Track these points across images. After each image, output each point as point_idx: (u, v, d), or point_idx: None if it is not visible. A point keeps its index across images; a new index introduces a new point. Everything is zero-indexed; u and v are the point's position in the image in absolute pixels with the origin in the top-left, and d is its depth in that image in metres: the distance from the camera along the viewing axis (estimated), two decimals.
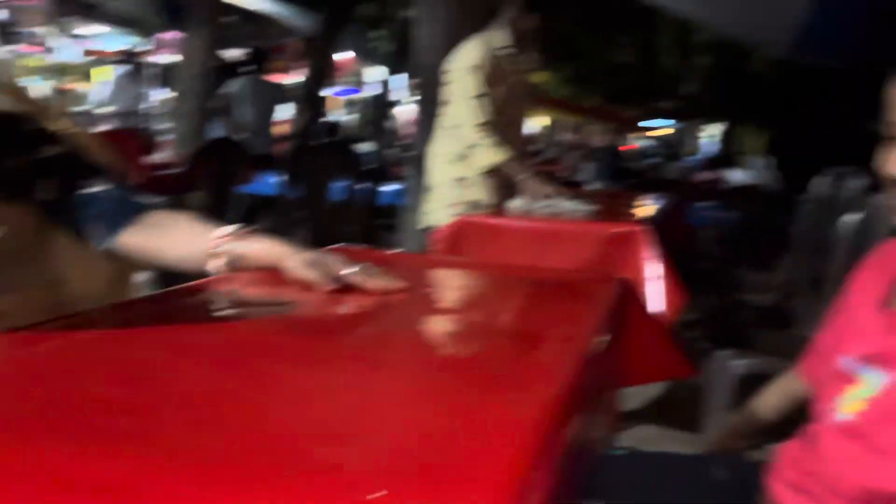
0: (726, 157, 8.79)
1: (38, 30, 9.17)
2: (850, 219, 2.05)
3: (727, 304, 2.82)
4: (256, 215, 5.49)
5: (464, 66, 2.46)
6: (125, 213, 1.04)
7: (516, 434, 0.53)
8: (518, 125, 2.71)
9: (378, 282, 0.95)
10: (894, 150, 0.82)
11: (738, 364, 1.85)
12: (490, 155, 2.41)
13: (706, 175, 6.01)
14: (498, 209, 2.41)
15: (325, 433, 0.54)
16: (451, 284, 1.14)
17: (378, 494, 0.43)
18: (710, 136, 15.17)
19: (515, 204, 2.32)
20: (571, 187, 3.33)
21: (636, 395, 2.71)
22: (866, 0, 4.10)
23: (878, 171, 0.84)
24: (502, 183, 2.56)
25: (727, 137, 11.37)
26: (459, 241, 2.03)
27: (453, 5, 3.87)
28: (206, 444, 0.50)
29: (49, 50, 8.80)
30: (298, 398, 0.61)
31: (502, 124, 2.50)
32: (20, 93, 1.11)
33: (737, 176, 7.22)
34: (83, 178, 1.05)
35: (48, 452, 0.47)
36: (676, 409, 1.55)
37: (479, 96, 2.42)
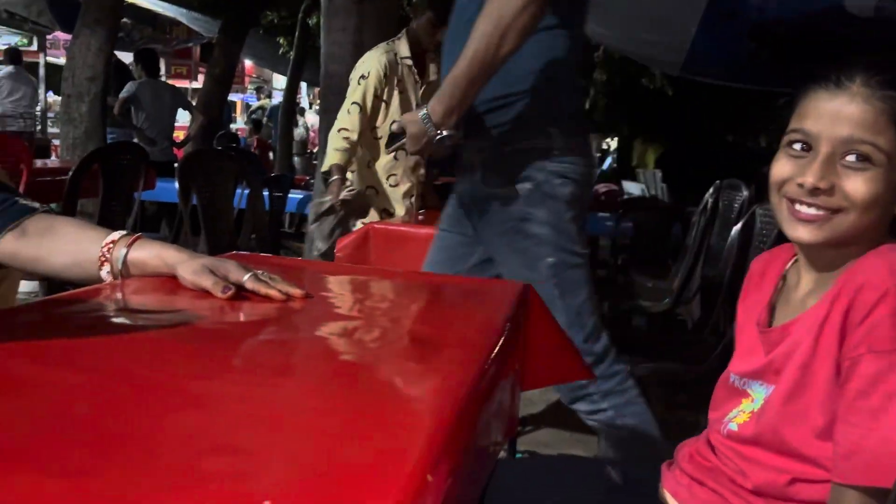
0: (622, 169, 9.13)
1: None
2: (737, 228, 2.16)
3: (622, 311, 2.92)
4: (159, 223, 5.30)
5: (355, 74, 2.53)
6: (5, 216, 0.98)
7: (413, 439, 0.53)
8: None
9: (275, 288, 0.94)
10: (783, 158, 0.87)
11: (638, 368, 1.91)
12: (330, 157, 2.51)
13: (602, 187, 6.24)
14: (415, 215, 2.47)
15: (217, 443, 0.52)
16: (352, 291, 1.14)
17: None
18: (605, 150, 15.69)
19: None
20: None
21: (536, 400, 2.77)
22: (742, 25, 4.39)
23: (770, 180, 0.89)
24: (409, 192, 2.61)
25: (622, 151, 11.80)
26: (365, 249, 2.02)
27: (361, 14, 3.86)
28: (89, 459, 0.47)
29: None
30: (189, 408, 0.59)
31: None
32: None
33: (632, 188, 7.51)
34: None
35: None
36: (575, 414, 1.59)
37: (356, 104, 2.49)
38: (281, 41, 11.44)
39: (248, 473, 0.47)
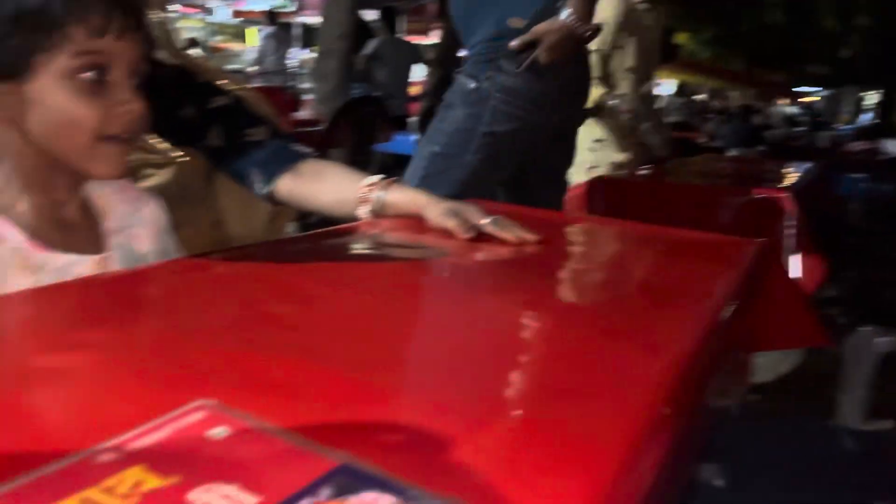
0: (882, 126, 8.13)
1: None
2: None
3: (873, 281, 2.66)
4: (396, 174, 5.66)
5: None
6: (283, 161, 1.12)
7: (640, 389, 0.55)
8: (648, 82, 2.69)
9: (513, 232, 0.99)
10: None
11: (882, 342, 1.76)
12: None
13: (859, 145, 5.61)
14: (636, 170, 2.41)
15: (464, 361, 0.58)
16: (583, 239, 1.16)
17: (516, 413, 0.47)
18: (867, 104, 14.06)
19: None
20: (713, 152, 3.23)
21: (768, 367, 2.63)
22: None
23: None
24: (640, 143, 2.55)
25: (884, 106, 10.50)
26: (592, 202, 2.03)
27: None
28: (362, 358, 0.55)
29: (208, 11, 9.32)
30: (439, 327, 0.66)
31: (633, 80, 2.50)
32: (187, 53, 1.21)
33: (893, 147, 6.69)
34: (246, 127, 1.15)
35: (228, 354, 0.54)
36: (808, 384, 1.51)
37: (599, 51, 2.43)
38: None
39: (492, 387, 0.53)
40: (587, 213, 1.98)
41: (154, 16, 1.16)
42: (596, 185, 2.08)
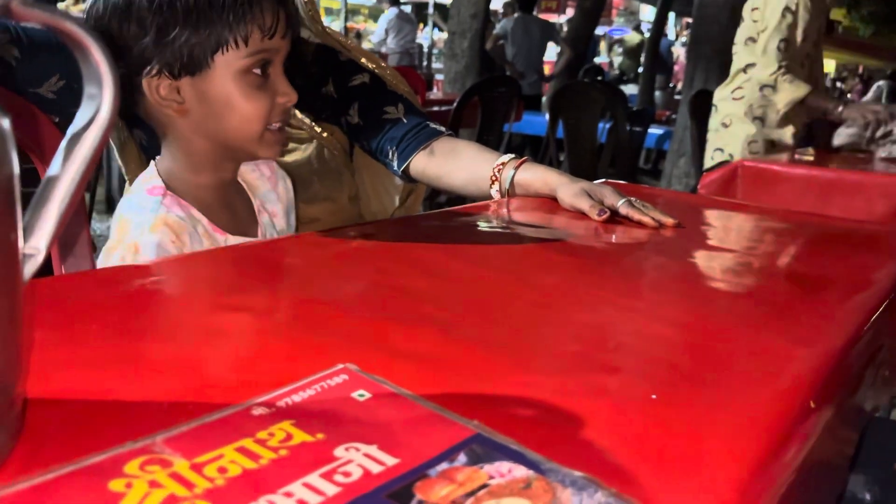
0: None
1: None
2: None
3: None
4: (522, 153, 5.64)
5: (776, 6, 2.32)
6: (418, 138, 1.14)
7: (785, 383, 0.53)
8: (819, 64, 2.52)
9: (648, 215, 0.96)
10: None
11: None
12: (793, 90, 2.28)
13: None
14: (792, 152, 2.28)
15: (599, 340, 0.58)
16: (723, 224, 1.11)
17: (652, 398, 0.46)
18: None
19: (846, 133, 2.21)
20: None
21: None
22: None
23: None
24: (802, 124, 2.41)
25: None
26: (731, 186, 1.93)
27: None
28: (495, 333, 0.56)
29: None
30: (572, 304, 0.65)
31: (807, 64, 2.35)
32: (330, 31, 1.25)
33: None
34: (384, 105, 1.17)
35: (363, 322, 0.56)
36: None
37: (785, 39, 2.28)
38: None
39: (629, 370, 0.52)
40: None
41: None
42: (735, 170, 1.99)
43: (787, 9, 2.30)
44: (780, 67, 2.28)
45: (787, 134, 2.33)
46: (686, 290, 0.75)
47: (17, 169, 0.32)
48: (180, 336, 0.52)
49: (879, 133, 2.23)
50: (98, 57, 0.34)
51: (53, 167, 0.36)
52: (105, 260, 0.79)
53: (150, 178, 0.86)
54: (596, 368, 0.51)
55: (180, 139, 0.85)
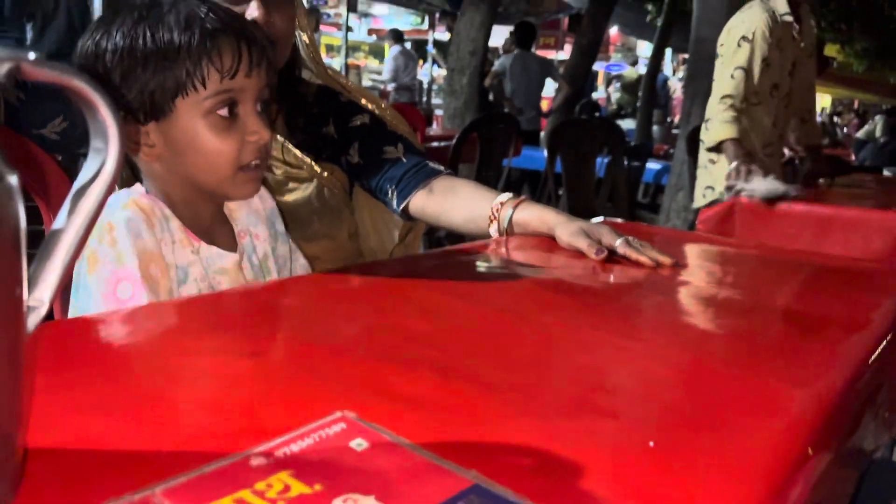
0: None
1: (334, 11, 10.15)
2: None
3: None
4: (520, 188, 5.66)
5: (734, 36, 2.37)
6: (417, 177, 1.15)
7: (782, 426, 0.53)
8: (805, 98, 2.54)
9: (646, 255, 0.97)
10: None
11: None
12: (718, 131, 2.31)
13: None
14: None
15: (597, 383, 0.58)
16: (721, 263, 1.12)
17: (650, 443, 0.46)
18: None
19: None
20: (867, 172, 3.03)
21: None
22: None
23: None
24: (789, 162, 2.44)
25: None
26: (729, 223, 1.94)
27: None
28: (493, 375, 0.56)
29: (349, 29, 9.72)
30: (571, 346, 0.65)
31: (778, 95, 2.38)
32: (331, 72, 1.27)
33: None
34: (383, 145, 1.19)
35: (361, 366, 0.56)
36: None
37: (741, 68, 2.32)
38: (649, 8, 11.25)
39: (627, 414, 0.52)
40: (720, 235, 1.90)
41: (303, 36, 1.22)
42: (732, 207, 2.00)
43: (743, 38, 2.34)
44: (724, 98, 2.32)
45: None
46: (683, 331, 0.75)
47: (23, 223, 0.33)
48: (178, 382, 0.52)
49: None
50: (105, 113, 0.35)
51: (59, 220, 0.36)
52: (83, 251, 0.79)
53: (134, 186, 0.86)
54: (594, 412, 0.51)
55: (158, 179, 0.85)
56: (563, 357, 0.63)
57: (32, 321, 0.34)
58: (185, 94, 0.79)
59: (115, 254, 0.77)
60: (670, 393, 0.57)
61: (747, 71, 2.32)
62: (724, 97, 2.34)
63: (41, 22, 4.71)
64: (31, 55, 0.32)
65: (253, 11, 1.03)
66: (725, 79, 2.35)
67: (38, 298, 0.35)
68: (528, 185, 5.72)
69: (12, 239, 0.31)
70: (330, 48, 10.43)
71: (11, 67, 0.31)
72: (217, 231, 0.91)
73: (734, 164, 2.20)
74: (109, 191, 0.36)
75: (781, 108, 2.44)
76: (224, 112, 0.80)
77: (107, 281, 0.77)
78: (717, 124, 2.32)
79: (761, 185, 2.22)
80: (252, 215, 0.97)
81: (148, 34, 0.78)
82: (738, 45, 2.34)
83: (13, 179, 0.31)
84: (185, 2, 0.81)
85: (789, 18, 2.38)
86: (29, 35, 4.70)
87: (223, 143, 0.80)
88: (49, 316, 0.68)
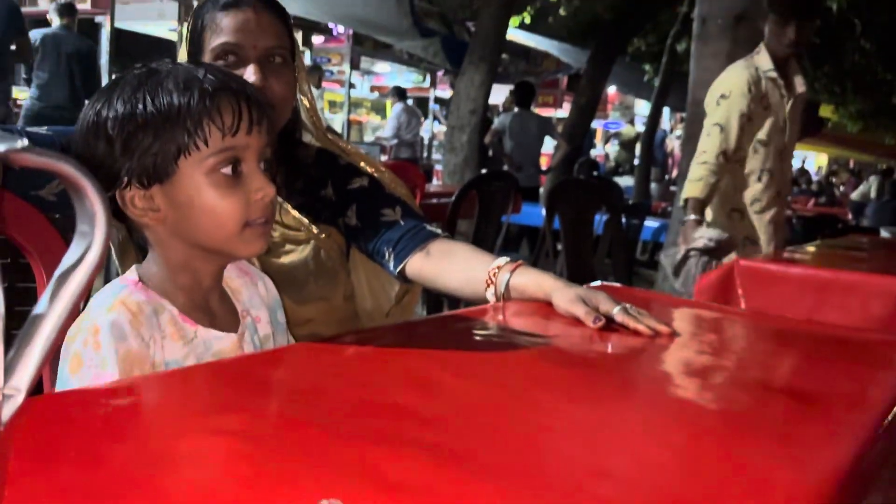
0: None
1: (338, 68, 10.33)
2: None
3: None
4: (519, 244, 5.68)
5: (714, 95, 2.41)
6: (414, 240, 1.15)
7: (792, 497, 0.51)
8: (787, 158, 2.55)
9: (644, 323, 0.96)
10: None
11: None
12: (686, 190, 2.36)
13: None
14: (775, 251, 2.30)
15: (594, 467, 0.56)
16: (720, 333, 1.11)
17: None
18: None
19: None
20: (864, 233, 3.03)
21: None
22: None
23: None
24: (774, 219, 2.44)
25: None
26: (730, 287, 1.93)
27: (735, 40, 3.73)
28: (486, 459, 0.54)
29: (352, 86, 9.88)
30: (567, 426, 0.64)
31: (763, 150, 2.39)
32: (331, 135, 1.28)
33: None
34: (381, 207, 1.19)
35: (350, 447, 0.54)
36: None
37: (717, 125, 2.35)
38: (646, 68, 11.47)
39: (621, 497, 0.50)
40: (722, 301, 1.89)
41: (304, 100, 1.23)
42: (731, 270, 1.99)
43: (721, 96, 2.37)
44: (699, 155, 2.36)
45: (755, 232, 2.40)
46: (681, 406, 0.74)
47: (1, 308, 0.32)
48: (159, 464, 0.50)
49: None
50: (93, 198, 0.34)
51: (41, 304, 0.35)
52: (68, 343, 0.78)
53: (127, 275, 0.86)
54: (591, 500, 0.50)
55: (159, 244, 0.85)
56: (558, 438, 0.61)
57: (7, 411, 0.33)
58: (188, 154, 0.79)
59: (98, 359, 0.76)
60: (667, 478, 0.56)
61: (724, 128, 2.33)
62: (699, 154, 2.37)
63: (47, 76, 4.80)
64: (20, 143, 0.32)
65: (250, 76, 1.05)
66: (703, 137, 2.38)
67: (15, 387, 0.34)
68: (528, 241, 5.74)
69: None
70: (333, 104, 10.58)
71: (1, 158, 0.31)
72: (217, 307, 0.90)
73: (688, 219, 2.28)
74: (93, 276, 0.35)
75: (776, 165, 2.44)
76: (227, 170, 0.80)
77: (88, 384, 0.76)
78: (686, 183, 2.37)
79: (702, 237, 2.26)
80: (255, 298, 0.96)
81: (148, 99, 0.78)
82: (717, 103, 2.38)
83: None
84: (183, 66, 0.82)
85: (773, 75, 2.38)
86: (33, 90, 4.78)
87: (228, 202, 0.80)
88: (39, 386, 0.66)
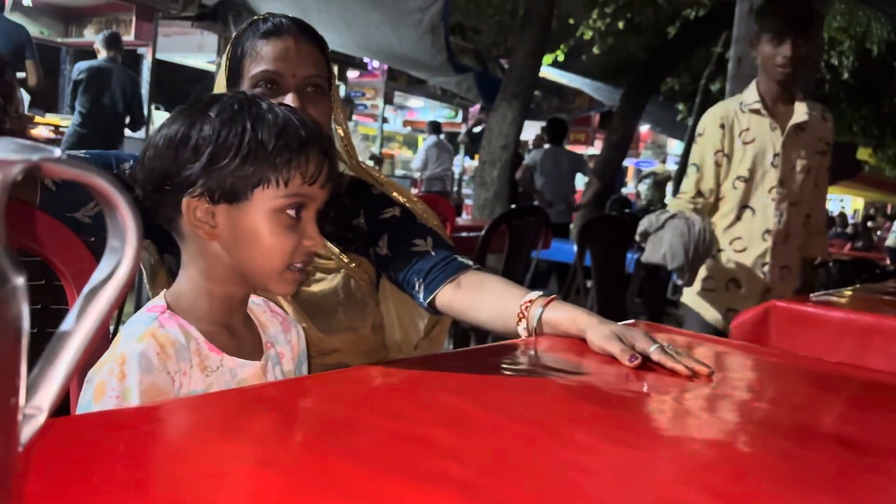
0: None
1: (371, 102, 10.47)
2: None
3: None
4: (548, 280, 5.64)
5: (696, 134, 2.36)
6: (445, 272, 1.13)
7: None
8: (789, 195, 2.31)
9: (681, 363, 0.93)
10: None
11: None
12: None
13: None
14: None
15: None
16: (759, 374, 1.07)
17: None
18: None
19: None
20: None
21: None
22: None
23: None
24: (763, 258, 2.32)
25: None
26: (765, 328, 1.88)
27: None
28: (519, 499, 0.52)
29: (385, 120, 10.00)
30: (601, 466, 0.61)
31: (751, 189, 2.28)
32: (364, 165, 1.28)
33: None
34: (413, 238, 1.18)
35: (378, 480, 0.52)
36: None
37: (694, 165, 2.30)
38: (680, 107, 11.45)
39: None
40: (755, 342, 1.84)
41: (339, 129, 1.24)
42: (766, 312, 1.94)
43: (698, 134, 2.32)
44: (680, 193, 2.33)
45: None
46: (721, 452, 0.71)
47: (27, 326, 0.31)
48: (183, 490, 0.49)
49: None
50: (125, 213, 0.33)
51: (68, 321, 0.34)
52: (94, 372, 0.79)
53: (155, 300, 0.88)
54: None
55: (201, 258, 0.87)
56: (592, 478, 0.59)
57: (27, 432, 0.32)
58: (266, 188, 0.82)
59: (121, 389, 0.77)
60: None
61: (699, 167, 2.28)
62: (679, 194, 2.34)
63: (89, 105, 4.92)
64: (55, 153, 0.31)
65: (289, 102, 1.05)
66: (684, 178, 2.35)
67: (37, 406, 0.33)
68: (556, 277, 5.69)
69: (12, 345, 0.29)
70: (366, 138, 10.71)
71: (33, 167, 0.30)
72: (241, 329, 0.91)
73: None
74: (123, 293, 0.34)
75: (762, 201, 2.29)
76: (292, 213, 0.84)
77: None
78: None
79: (660, 246, 2.20)
80: (281, 336, 0.97)
81: (248, 126, 0.82)
82: (696, 142, 2.33)
83: (19, 281, 0.29)
84: (279, 106, 0.86)
85: (757, 107, 2.25)
86: (75, 117, 4.90)
87: (283, 240, 0.84)
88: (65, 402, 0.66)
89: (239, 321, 0.91)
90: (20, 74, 4.37)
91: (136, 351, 0.78)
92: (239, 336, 0.90)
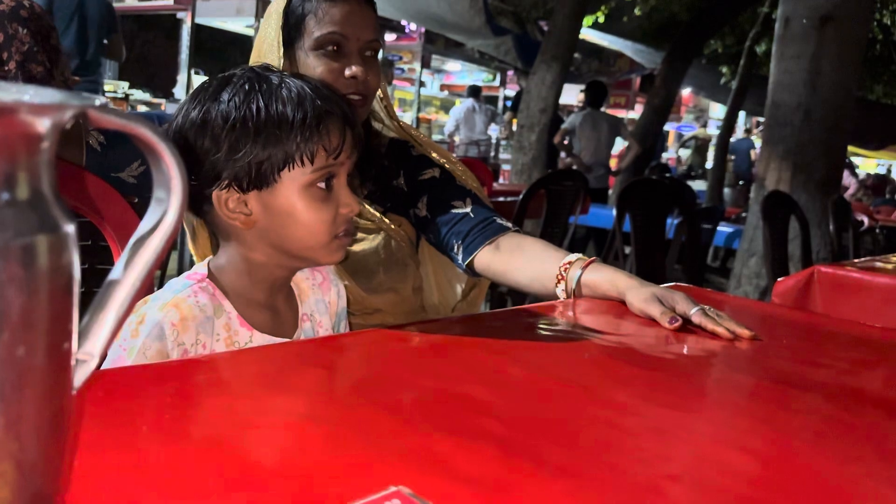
0: None
1: (408, 66, 10.39)
2: None
3: None
4: (586, 246, 5.59)
5: None
6: (484, 234, 1.13)
7: None
8: None
9: (723, 325, 0.91)
10: None
11: None
12: None
13: None
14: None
15: (665, 470, 0.53)
16: (802, 338, 1.05)
17: None
18: None
19: None
20: None
21: None
22: None
23: None
24: None
25: None
26: (808, 295, 1.85)
27: (820, 41, 3.59)
28: (557, 456, 0.52)
29: (422, 84, 9.94)
30: (641, 426, 0.61)
31: None
32: (404, 125, 1.27)
33: None
34: (452, 199, 1.17)
35: (420, 436, 0.53)
36: None
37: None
38: (723, 70, 11.16)
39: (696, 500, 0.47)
40: (799, 306, 1.81)
41: (378, 90, 1.23)
42: (810, 276, 1.90)
43: None
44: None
45: None
46: (765, 415, 0.70)
47: (78, 274, 0.31)
48: (225, 444, 0.50)
49: None
50: (169, 162, 0.34)
51: (116, 271, 0.35)
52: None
53: (198, 267, 0.88)
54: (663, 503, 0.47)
55: (242, 246, 0.86)
56: (630, 439, 0.58)
57: (80, 376, 0.33)
58: (292, 168, 0.82)
59: (128, 344, 0.77)
60: (749, 488, 0.52)
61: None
62: None
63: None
64: (98, 101, 0.31)
65: (354, 68, 1.06)
66: None
67: (88, 352, 0.33)
68: (594, 243, 5.64)
69: (64, 291, 0.30)
70: (403, 102, 10.65)
71: (78, 114, 0.30)
72: (282, 306, 0.90)
73: None
74: (169, 243, 0.35)
75: None
76: (322, 185, 0.84)
77: (110, 358, 0.76)
78: None
79: None
80: (321, 303, 0.97)
81: (262, 106, 0.81)
82: None
83: (69, 228, 0.30)
84: (292, 78, 0.84)
85: None
86: (106, 78, 4.87)
87: (320, 214, 0.83)
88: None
89: (281, 298, 0.90)
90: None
91: (154, 318, 0.78)
92: (277, 311, 0.89)
